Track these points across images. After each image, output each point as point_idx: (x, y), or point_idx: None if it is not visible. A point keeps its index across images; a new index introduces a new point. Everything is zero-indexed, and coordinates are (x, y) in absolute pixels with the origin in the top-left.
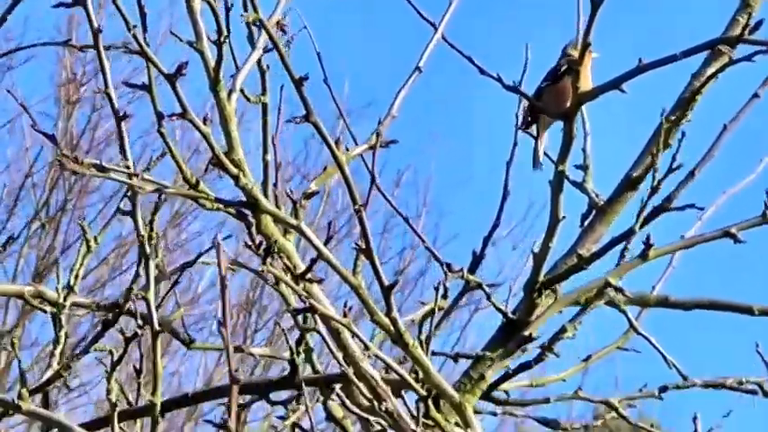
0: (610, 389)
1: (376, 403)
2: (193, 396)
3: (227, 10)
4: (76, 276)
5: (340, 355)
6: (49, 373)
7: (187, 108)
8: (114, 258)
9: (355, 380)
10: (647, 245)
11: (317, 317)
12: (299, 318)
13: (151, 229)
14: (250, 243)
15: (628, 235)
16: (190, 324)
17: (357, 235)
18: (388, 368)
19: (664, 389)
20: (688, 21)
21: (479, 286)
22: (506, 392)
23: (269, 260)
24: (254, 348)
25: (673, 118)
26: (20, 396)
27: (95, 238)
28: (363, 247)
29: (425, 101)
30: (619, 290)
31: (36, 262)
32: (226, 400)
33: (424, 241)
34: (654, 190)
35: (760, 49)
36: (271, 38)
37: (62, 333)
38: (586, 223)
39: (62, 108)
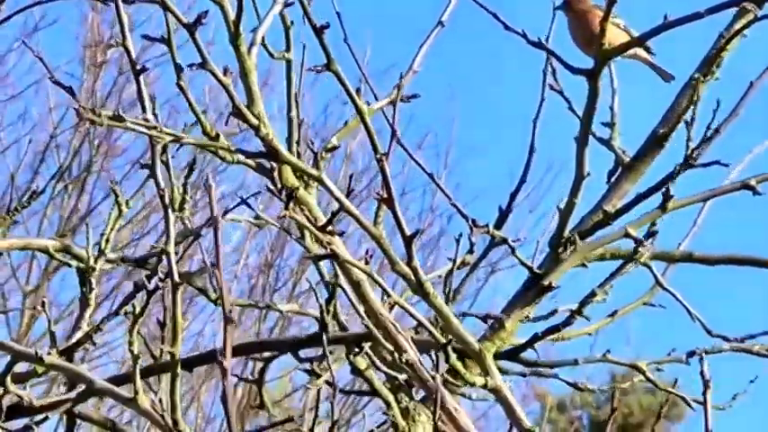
0: (621, 347)
1: (397, 355)
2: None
3: None
4: (107, 240)
5: (361, 308)
6: (78, 335)
7: (207, 59)
8: (139, 221)
9: (375, 331)
10: (667, 196)
11: (337, 268)
12: (323, 269)
13: (184, 192)
14: (272, 188)
15: (653, 191)
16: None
17: (398, 195)
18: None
19: (691, 354)
20: None
21: (504, 241)
22: (535, 350)
23: (291, 206)
24: (282, 305)
25: (699, 75)
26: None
27: (127, 202)
28: (385, 196)
29: (447, 61)
30: (638, 241)
31: (59, 223)
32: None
33: (448, 196)
34: (687, 158)
35: None
36: None
37: (92, 296)
38: (613, 180)
39: (87, 70)
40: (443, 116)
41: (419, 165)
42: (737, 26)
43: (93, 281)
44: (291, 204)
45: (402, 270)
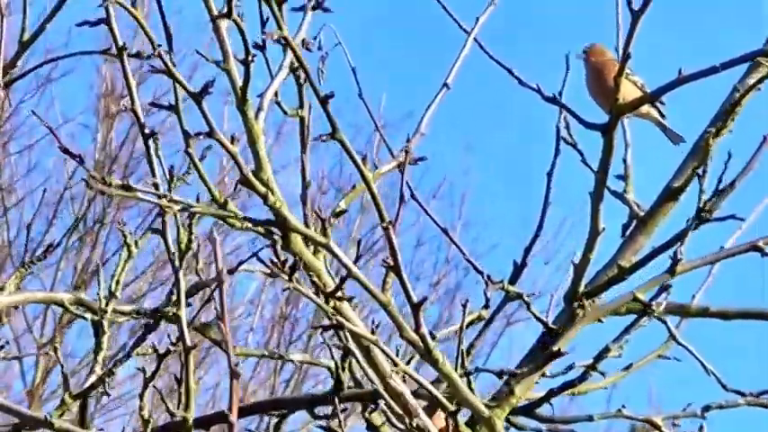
0: (642, 404)
1: (407, 419)
2: (241, 409)
3: (263, 25)
4: (117, 282)
5: (371, 372)
6: (92, 379)
7: (214, 127)
8: (153, 272)
9: (386, 396)
10: (675, 260)
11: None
12: (334, 333)
13: (188, 248)
14: (276, 261)
15: (668, 246)
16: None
17: (403, 246)
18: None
19: (707, 408)
20: (731, 32)
21: (519, 297)
22: (551, 405)
23: (296, 276)
24: (294, 354)
25: (713, 129)
26: (62, 402)
27: (136, 243)
28: (392, 263)
29: (461, 112)
30: (646, 305)
31: (74, 275)
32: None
33: (462, 252)
34: (700, 211)
35: None
36: (296, 56)
37: (104, 339)
38: (627, 234)
39: (101, 121)
40: (458, 166)
41: (433, 220)
42: (752, 81)
43: (105, 324)
44: (295, 276)
45: (410, 337)
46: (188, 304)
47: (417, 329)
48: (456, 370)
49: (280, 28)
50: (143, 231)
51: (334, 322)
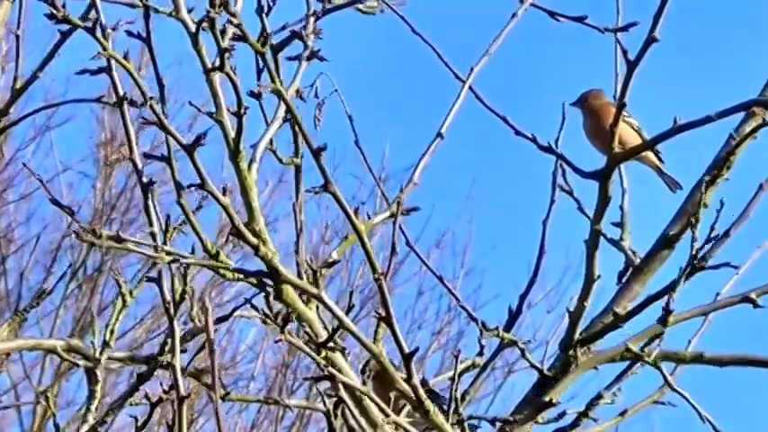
0: None
1: None
2: None
3: (259, 74)
4: (112, 332)
5: (363, 421)
6: (84, 428)
7: (206, 179)
8: (151, 320)
9: None
10: (667, 311)
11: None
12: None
13: (182, 298)
14: (267, 313)
15: (663, 294)
16: (229, 383)
17: (401, 296)
18: None
19: None
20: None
21: (514, 343)
22: None
23: (288, 328)
24: (290, 400)
25: (708, 177)
26: None
27: (131, 293)
28: (383, 314)
29: (463, 160)
30: (638, 355)
31: (72, 323)
32: None
33: (457, 298)
34: (693, 258)
35: None
36: (289, 109)
37: (97, 388)
38: (623, 281)
39: (100, 169)
40: (461, 215)
41: (429, 268)
42: (747, 129)
43: (99, 373)
44: (288, 328)
45: (402, 387)
46: (183, 350)
47: (409, 380)
48: (448, 418)
49: (273, 81)
50: (139, 280)
51: (326, 373)
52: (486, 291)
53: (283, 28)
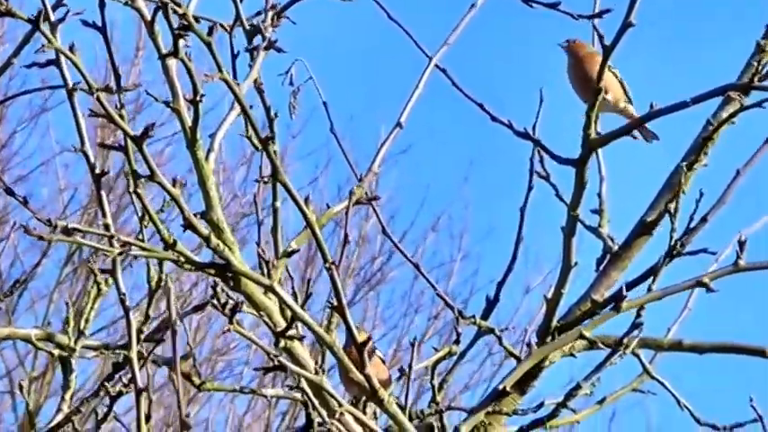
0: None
1: None
2: None
3: (234, 58)
4: (87, 320)
5: (323, 411)
6: (59, 417)
7: (155, 170)
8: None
9: None
10: (620, 297)
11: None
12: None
13: (158, 286)
14: (216, 303)
15: (641, 280)
16: (223, 369)
17: (396, 279)
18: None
19: None
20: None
21: (491, 331)
22: None
23: (236, 318)
24: (266, 390)
25: (686, 164)
26: None
27: (106, 281)
28: (336, 304)
29: (462, 144)
30: (592, 342)
31: (66, 308)
32: None
33: (434, 287)
34: (671, 249)
35: None
36: (236, 97)
37: (72, 377)
38: (601, 268)
39: (97, 152)
40: (458, 198)
41: (404, 254)
42: (725, 114)
43: (74, 363)
44: (236, 319)
45: (356, 378)
46: (160, 340)
47: (362, 369)
48: (429, 406)
49: (219, 70)
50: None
51: (276, 363)
52: (483, 275)
53: (258, 14)
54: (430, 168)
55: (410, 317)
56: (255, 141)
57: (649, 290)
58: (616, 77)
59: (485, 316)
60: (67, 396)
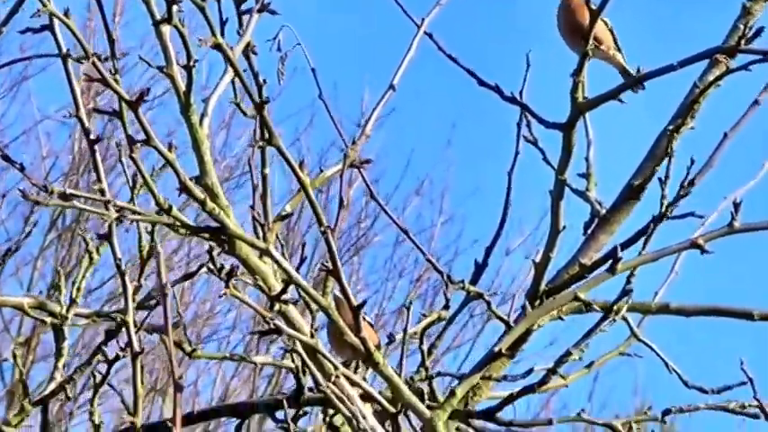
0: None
1: (355, 423)
2: (199, 414)
3: (222, 25)
4: (78, 289)
5: (318, 375)
6: (51, 386)
7: (151, 135)
8: (130, 269)
9: (334, 399)
10: (615, 259)
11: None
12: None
13: (150, 254)
14: (212, 268)
15: (630, 243)
16: (209, 334)
17: (379, 244)
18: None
19: (667, 412)
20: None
21: (480, 296)
22: (513, 406)
23: (233, 282)
24: (256, 357)
25: (672, 127)
26: (22, 408)
27: (98, 249)
28: (331, 267)
29: (443, 106)
30: (587, 304)
31: (52, 273)
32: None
33: (423, 251)
34: (662, 216)
35: (756, 58)
36: (230, 62)
37: (64, 345)
38: (589, 232)
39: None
40: (440, 162)
41: (392, 219)
42: (711, 77)
43: (66, 330)
44: (232, 282)
45: (351, 340)
46: (152, 306)
47: (357, 332)
48: (418, 371)
49: (213, 34)
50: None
51: (272, 326)
52: (467, 237)
53: None
54: (414, 132)
55: (393, 281)
56: (245, 107)
57: (615, 253)
58: (606, 25)
59: (473, 281)
60: (60, 364)
